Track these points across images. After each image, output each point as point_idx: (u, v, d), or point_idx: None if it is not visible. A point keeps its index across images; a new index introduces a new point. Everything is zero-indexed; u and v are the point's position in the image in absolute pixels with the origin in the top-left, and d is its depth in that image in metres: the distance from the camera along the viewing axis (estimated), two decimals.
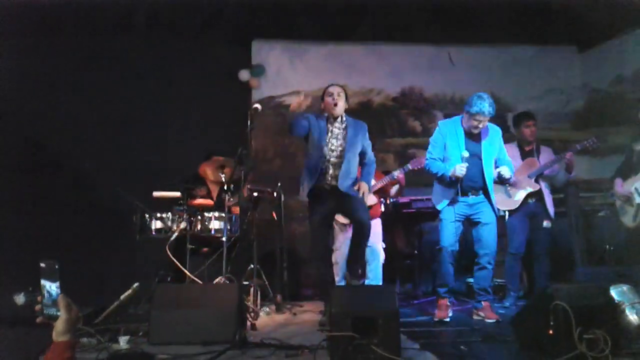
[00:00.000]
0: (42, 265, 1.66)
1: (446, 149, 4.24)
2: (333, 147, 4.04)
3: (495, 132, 4.25)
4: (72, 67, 5.73)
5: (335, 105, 4.04)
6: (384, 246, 5.11)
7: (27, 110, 5.54)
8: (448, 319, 4.14)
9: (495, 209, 4.25)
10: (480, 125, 4.11)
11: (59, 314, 1.64)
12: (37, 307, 1.65)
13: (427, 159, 4.32)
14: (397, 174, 5.00)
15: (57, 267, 1.68)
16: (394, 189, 5.28)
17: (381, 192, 5.14)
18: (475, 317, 4.23)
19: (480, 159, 4.17)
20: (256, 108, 3.98)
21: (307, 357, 3.00)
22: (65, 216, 5.25)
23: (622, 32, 6.35)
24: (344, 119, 4.12)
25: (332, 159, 4.03)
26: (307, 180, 4.02)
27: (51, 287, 1.65)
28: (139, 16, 5.89)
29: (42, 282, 1.64)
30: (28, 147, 5.51)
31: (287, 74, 6.83)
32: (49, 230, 4.98)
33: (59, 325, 1.64)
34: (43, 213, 5.23)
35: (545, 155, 4.90)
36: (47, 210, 5.26)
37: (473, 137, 4.19)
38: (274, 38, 6.75)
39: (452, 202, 4.16)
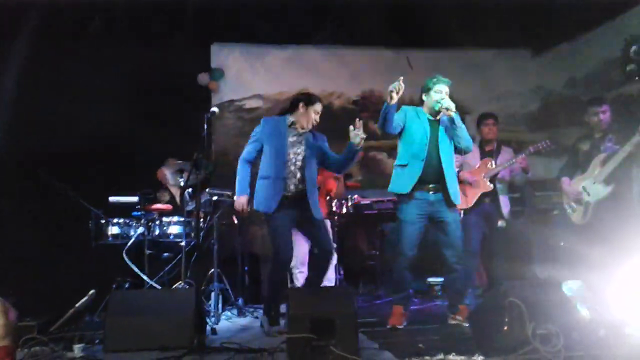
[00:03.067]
0: None
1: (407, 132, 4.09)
2: (297, 153, 4.02)
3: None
4: (28, 70, 5.57)
5: (316, 122, 4.10)
6: (335, 246, 5.14)
7: None
8: (402, 327, 3.98)
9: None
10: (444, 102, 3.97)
11: None
12: None
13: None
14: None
15: None
16: (339, 187, 5.28)
17: (327, 192, 5.15)
18: (451, 321, 4.03)
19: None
20: (213, 112, 3.96)
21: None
22: (19, 222, 5.10)
23: (574, 36, 6.54)
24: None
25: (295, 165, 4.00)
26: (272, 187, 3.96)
27: None
28: (98, 19, 5.79)
29: None
30: None
31: (247, 77, 6.82)
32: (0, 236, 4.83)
33: None
34: None
35: (505, 155, 4.99)
36: None
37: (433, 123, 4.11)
38: (233, 41, 6.72)
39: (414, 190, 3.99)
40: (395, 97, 3.81)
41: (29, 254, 4.87)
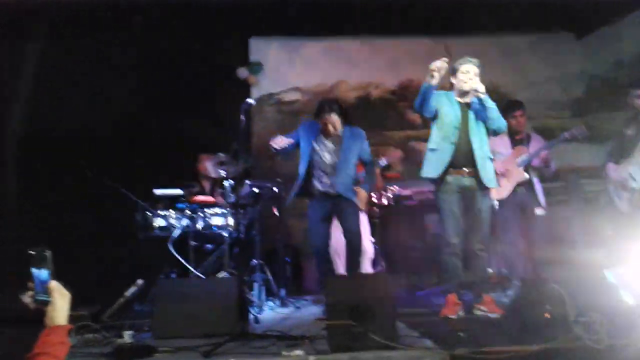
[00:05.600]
0: (31, 253, 1.71)
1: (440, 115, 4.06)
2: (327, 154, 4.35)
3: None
4: (71, 66, 5.78)
5: (334, 128, 4.36)
6: (373, 240, 5.17)
7: (28, 105, 5.62)
8: (455, 316, 3.87)
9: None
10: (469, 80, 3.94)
11: (50, 299, 1.68)
12: (29, 293, 1.69)
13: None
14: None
15: (47, 254, 1.72)
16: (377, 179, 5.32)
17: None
18: (477, 312, 3.96)
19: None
20: (250, 103, 4.07)
21: (307, 347, 3.05)
22: (70, 215, 5.33)
23: (620, 17, 6.33)
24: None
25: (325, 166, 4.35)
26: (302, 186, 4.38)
27: (40, 274, 1.70)
28: (137, 15, 5.94)
29: (32, 269, 1.69)
30: (27, 144, 5.59)
31: (285, 70, 6.87)
32: (54, 230, 5.05)
33: (53, 311, 1.69)
34: (47, 212, 5.31)
35: (536, 143, 4.89)
36: (51, 210, 5.34)
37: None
38: (271, 35, 6.79)
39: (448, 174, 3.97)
40: (437, 77, 3.77)
41: (81, 247, 5.09)
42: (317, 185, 4.35)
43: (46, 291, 1.70)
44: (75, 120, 5.56)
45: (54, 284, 1.72)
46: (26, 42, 5.73)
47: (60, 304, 1.71)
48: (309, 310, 4.61)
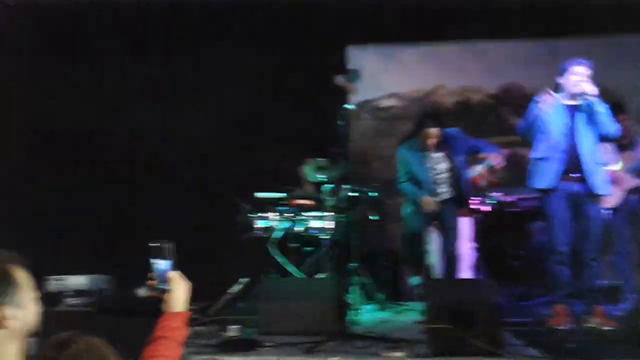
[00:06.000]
0: (152, 245, 1.85)
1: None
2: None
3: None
4: (185, 75, 6.15)
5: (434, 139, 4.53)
6: (476, 245, 5.04)
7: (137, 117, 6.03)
8: (564, 328, 3.67)
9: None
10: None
11: (168, 288, 1.81)
12: (150, 282, 1.83)
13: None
14: None
15: (168, 247, 1.85)
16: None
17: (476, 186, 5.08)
18: (587, 324, 3.71)
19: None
20: (348, 108, 4.15)
21: (407, 349, 3.04)
22: (181, 220, 5.65)
23: None
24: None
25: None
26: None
27: (160, 265, 1.83)
28: (236, 23, 6.22)
29: (151, 260, 1.82)
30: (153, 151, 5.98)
31: (382, 76, 6.88)
32: (166, 229, 5.38)
33: (172, 298, 1.80)
34: (158, 213, 5.67)
35: None
36: (163, 211, 5.70)
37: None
38: (367, 42, 6.84)
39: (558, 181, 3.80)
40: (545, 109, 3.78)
41: (190, 247, 5.37)
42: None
43: (166, 280, 1.82)
44: (186, 126, 5.91)
45: (174, 273, 1.83)
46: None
47: (179, 292, 1.82)
48: (408, 315, 4.57)
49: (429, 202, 4.48)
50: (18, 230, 5.31)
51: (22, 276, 1.47)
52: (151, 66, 5.99)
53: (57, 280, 3.99)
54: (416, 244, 4.45)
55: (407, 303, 5.11)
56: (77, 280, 4.01)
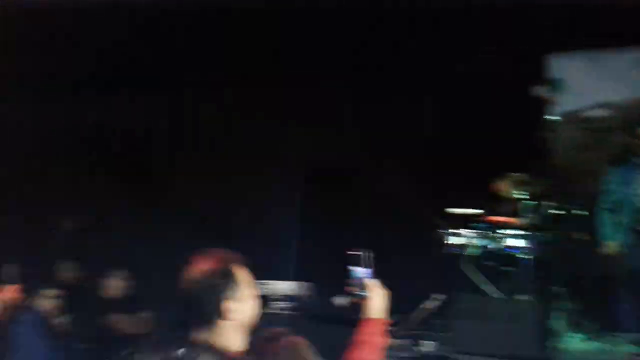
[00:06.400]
0: (352, 253, 1.92)
1: None
2: None
3: None
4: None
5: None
6: None
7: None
8: None
9: None
10: None
11: (367, 295, 1.86)
12: (349, 289, 1.90)
13: None
14: None
15: (366, 255, 1.91)
16: None
17: None
18: None
19: None
20: (549, 121, 3.90)
21: None
22: (376, 233, 5.80)
23: None
24: None
25: None
26: None
27: (358, 272, 1.89)
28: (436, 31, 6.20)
29: (350, 268, 1.90)
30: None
31: (588, 85, 6.35)
32: (362, 239, 5.56)
33: (369, 305, 1.85)
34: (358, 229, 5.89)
35: None
36: (361, 222, 5.91)
37: None
38: (571, 50, 6.37)
39: None
40: None
41: (384, 260, 5.49)
42: None
43: (364, 287, 1.89)
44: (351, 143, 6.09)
45: (372, 281, 1.89)
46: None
47: (377, 299, 1.87)
48: (622, 349, 4.09)
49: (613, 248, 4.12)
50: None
51: (243, 274, 1.65)
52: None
53: (262, 284, 4.38)
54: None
55: (621, 334, 4.60)
56: (282, 286, 4.36)
